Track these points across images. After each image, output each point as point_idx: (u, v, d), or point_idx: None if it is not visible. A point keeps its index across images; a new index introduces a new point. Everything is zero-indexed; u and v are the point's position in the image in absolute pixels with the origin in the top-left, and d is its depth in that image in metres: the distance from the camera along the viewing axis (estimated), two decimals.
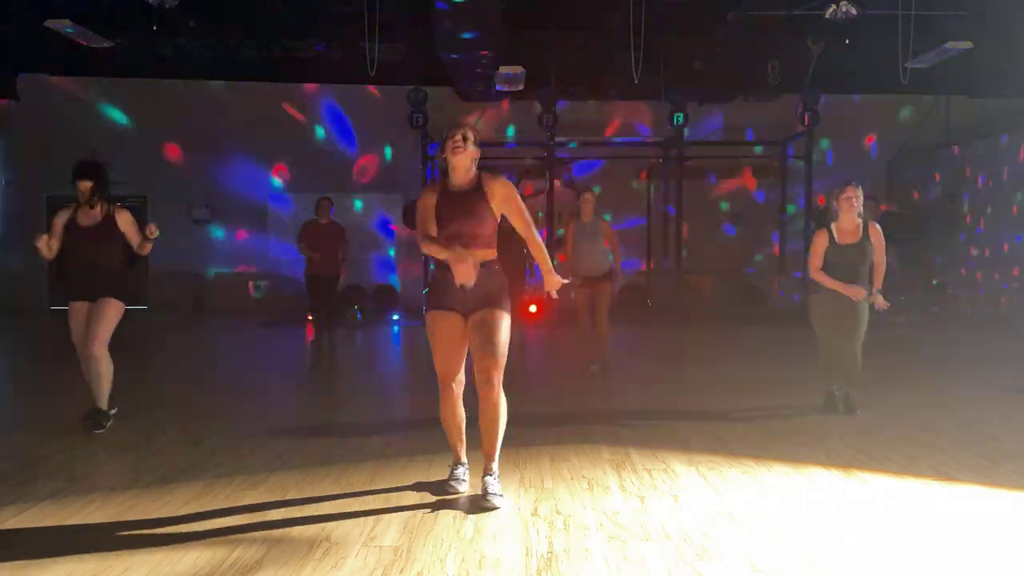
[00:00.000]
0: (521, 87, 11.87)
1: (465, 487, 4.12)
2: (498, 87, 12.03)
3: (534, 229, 4.05)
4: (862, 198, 5.91)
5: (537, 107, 13.32)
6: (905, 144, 15.17)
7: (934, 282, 13.80)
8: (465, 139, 3.92)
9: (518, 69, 11.47)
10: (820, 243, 5.96)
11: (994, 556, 3.34)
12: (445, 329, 3.99)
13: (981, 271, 13.56)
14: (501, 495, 3.98)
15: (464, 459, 4.22)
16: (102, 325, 5.40)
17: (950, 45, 10.01)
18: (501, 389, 3.97)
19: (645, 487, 4.21)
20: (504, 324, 3.96)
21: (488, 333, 3.91)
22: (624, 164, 15.40)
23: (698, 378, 7.93)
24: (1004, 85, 12.92)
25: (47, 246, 5.35)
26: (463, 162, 3.95)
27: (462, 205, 3.94)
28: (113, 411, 5.55)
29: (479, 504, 3.91)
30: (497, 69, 11.57)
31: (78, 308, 5.47)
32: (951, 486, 4.23)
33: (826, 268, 5.92)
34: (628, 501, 3.98)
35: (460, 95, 14.28)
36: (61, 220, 5.43)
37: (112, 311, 5.43)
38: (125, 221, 5.52)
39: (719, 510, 3.85)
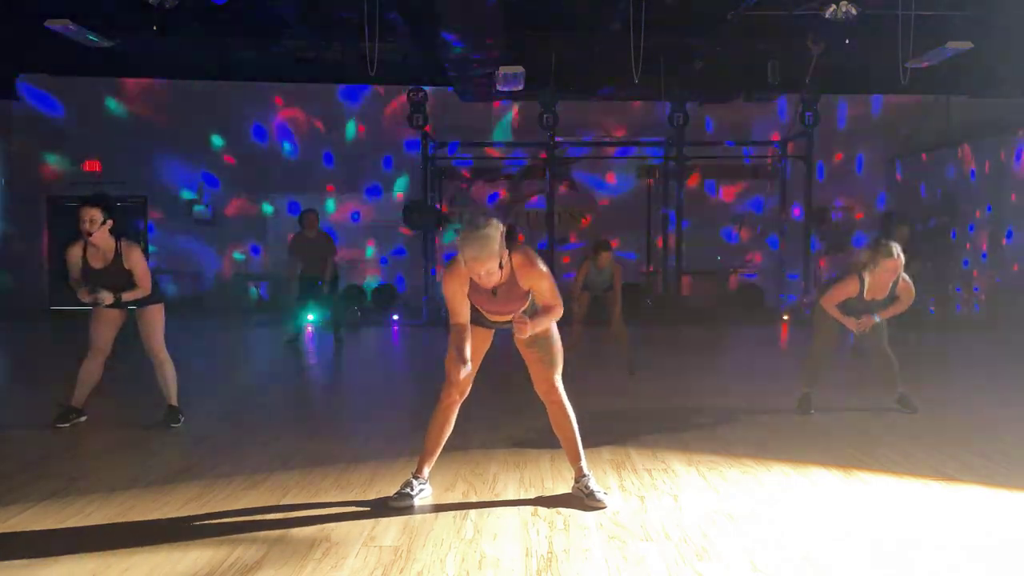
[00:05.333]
0: (521, 87, 11.86)
1: (412, 503, 3.92)
2: (498, 87, 12.02)
3: (558, 299, 3.84)
4: (903, 264, 5.61)
5: (537, 107, 13.33)
6: (905, 145, 15.17)
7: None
8: (491, 273, 3.58)
9: (518, 69, 11.46)
10: (848, 289, 5.74)
11: (994, 556, 3.34)
12: (474, 343, 3.91)
13: (980, 271, 13.55)
14: (606, 492, 3.99)
15: (426, 475, 4.06)
16: (155, 336, 5.50)
17: (950, 45, 10.00)
18: (563, 392, 3.99)
19: (645, 487, 4.21)
20: (553, 330, 3.96)
21: (543, 343, 3.93)
22: (624, 164, 15.40)
23: (698, 378, 7.93)
24: (1004, 85, 12.90)
25: (89, 296, 5.21)
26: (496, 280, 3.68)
27: (498, 292, 3.78)
28: (83, 417, 5.59)
29: (586, 505, 3.87)
30: (497, 69, 11.56)
31: (105, 314, 5.41)
32: (951, 486, 4.23)
33: (842, 307, 5.81)
34: (628, 501, 3.98)
35: (460, 95, 14.27)
36: (76, 260, 5.25)
37: (156, 317, 5.51)
38: (133, 260, 5.29)
39: (719, 510, 3.85)
